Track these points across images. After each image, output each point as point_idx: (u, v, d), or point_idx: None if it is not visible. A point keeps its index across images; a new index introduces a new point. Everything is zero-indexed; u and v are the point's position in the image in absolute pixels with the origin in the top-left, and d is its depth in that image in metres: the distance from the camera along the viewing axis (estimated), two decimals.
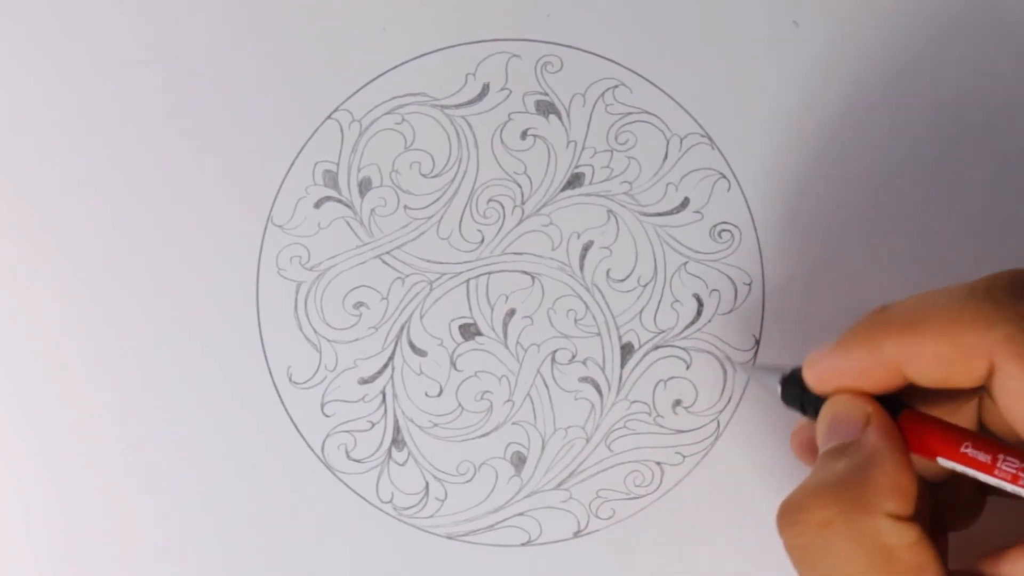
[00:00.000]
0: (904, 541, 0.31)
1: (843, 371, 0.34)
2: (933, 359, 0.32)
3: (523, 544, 0.41)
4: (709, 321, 0.41)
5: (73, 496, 0.40)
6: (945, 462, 0.32)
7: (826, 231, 0.41)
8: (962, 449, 0.32)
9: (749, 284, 0.41)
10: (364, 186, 0.41)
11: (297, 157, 0.41)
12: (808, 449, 0.37)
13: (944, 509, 0.36)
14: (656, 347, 0.41)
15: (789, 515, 0.32)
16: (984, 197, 0.41)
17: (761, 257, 0.41)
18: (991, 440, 0.32)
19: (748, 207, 0.41)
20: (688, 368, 0.41)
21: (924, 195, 0.41)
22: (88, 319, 0.40)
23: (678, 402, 0.41)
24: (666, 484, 0.41)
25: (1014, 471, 0.31)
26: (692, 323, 0.41)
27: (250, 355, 0.41)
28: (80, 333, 0.40)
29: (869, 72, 0.41)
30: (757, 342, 0.41)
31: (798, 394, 0.35)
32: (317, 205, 0.41)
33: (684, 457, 0.41)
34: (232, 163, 0.41)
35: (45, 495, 0.40)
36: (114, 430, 0.40)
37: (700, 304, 0.41)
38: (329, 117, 0.41)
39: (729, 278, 0.41)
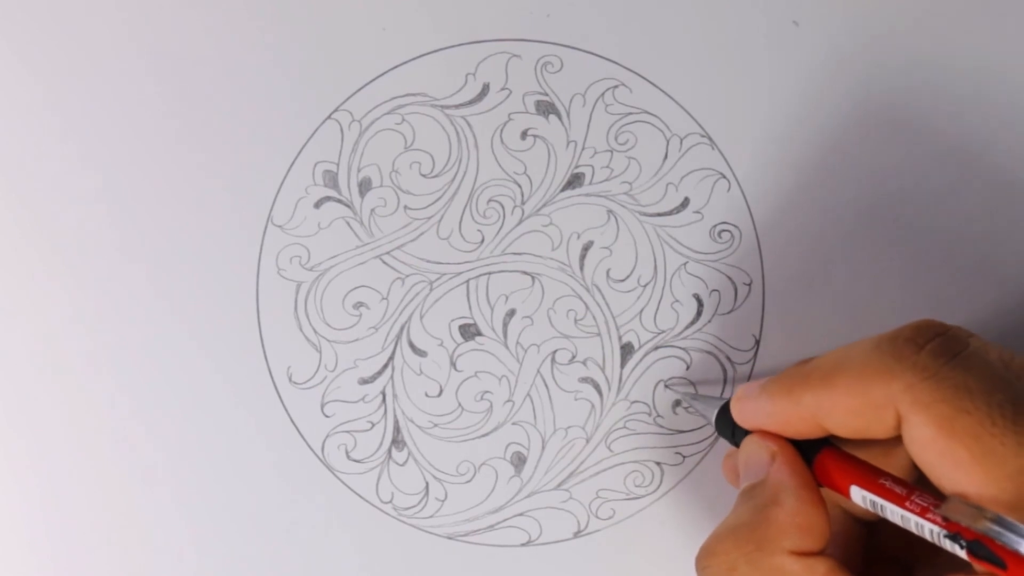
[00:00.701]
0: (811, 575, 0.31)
1: (767, 416, 0.35)
2: (845, 412, 0.32)
3: (523, 544, 0.41)
4: (709, 321, 0.41)
5: (73, 496, 0.40)
6: (857, 492, 0.32)
7: (826, 231, 0.41)
8: (879, 480, 0.32)
9: (749, 284, 0.41)
10: (364, 186, 0.41)
11: (297, 157, 0.41)
12: (734, 474, 0.38)
13: (892, 542, 0.36)
14: (656, 347, 0.41)
15: (700, 560, 0.34)
16: (985, 197, 0.41)
17: (761, 257, 0.41)
18: (906, 481, 0.32)
19: (748, 207, 0.41)
20: (688, 368, 0.41)
21: (924, 195, 0.41)
22: (88, 319, 0.40)
23: (678, 402, 0.41)
24: (666, 484, 0.41)
25: (924, 504, 0.31)
26: (692, 323, 0.41)
27: (250, 355, 0.41)
28: (80, 333, 0.40)
29: (869, 72, 0.41)
30: (757, 342, 0.41)
31: (730, 425, 0.37)
32: (317, 205, 0.41)
33: (684, 457, 0.41)
34: (232, 163, 0.41)
35: (44, 495, 0.40)
36: (114, 430, 0.40)
37: (700, 304, 0.41)
38: (329, 117, 0.41)
39: (729, 278, 0.41)
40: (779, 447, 0.34)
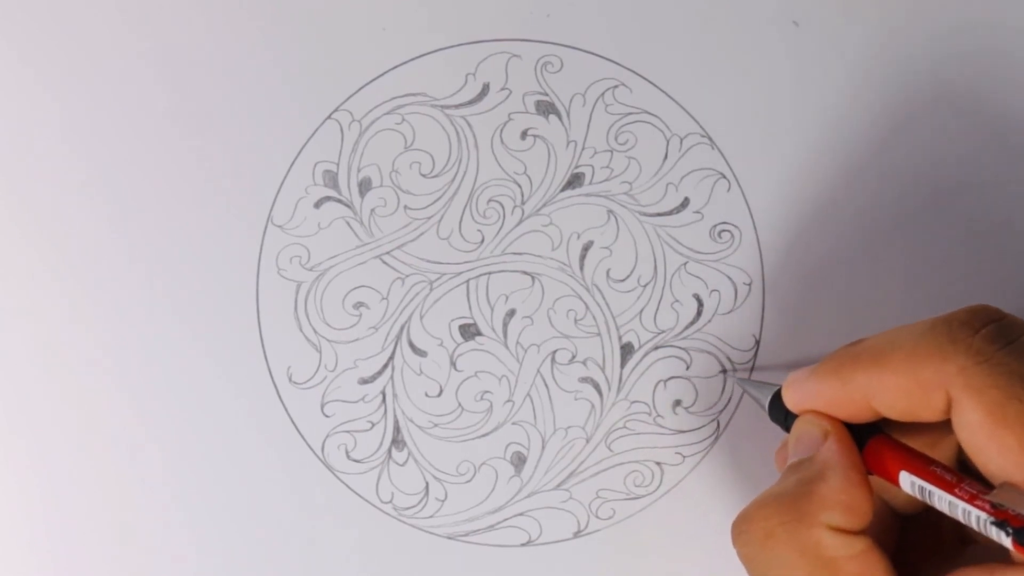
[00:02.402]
0: (847, 553, 0.32)
1: (817, 397, 0.35)
2: (896, 392, 0.32)
3: (523, 544, 0.41)
4: (709, 321, 0.41)
5: (72, 496, 0.40)
6: (907, 478, 0.32)
7: (826, 231, 0.41)
8: (930, 467, 0.32)
9: (749, 284, 0.41)
10: (364, 186, 0.41)
11: (297, 157, 0.41)
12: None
13: (921, 544, 0.36)
14: (656, 347, 0.41)
15: (738, 525, 0.34)
16: (986, 197, 0.41)
17: (761, 257, 0.41)
18: (955, 470, 0.32)
19: (748, 207, 0.41)
20: (688, 368, 0.41)
21: (924, 195, 0.41)
22: (88, 319, 0.40)
23: (678, 402, 0.41)
24: (666, 484, 0.41)
25: (973, 492, 0.31)
26: (692, 323, 0.41)
27: (250, 355, 0.41)
28: (80, 333, 0.40)
29: (869, 72, 0.41)
30: (757, 342, 0.41)
31: (782, 411, 0.36)
32: (317, 205, 0.41)
33: (684, 457, 0.41)
34: (232, 163, 0.41)
35: (44, 495, 0.40)
36: (114, 430, 0.40)
37: (700, 304, 0.41)
38: (329, 117, 0.41)
39: (729, 278, 0.41)
40: (832, 426, 0.34)
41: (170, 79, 0.41)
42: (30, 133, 0.40)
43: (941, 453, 0.35)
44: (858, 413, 0.34)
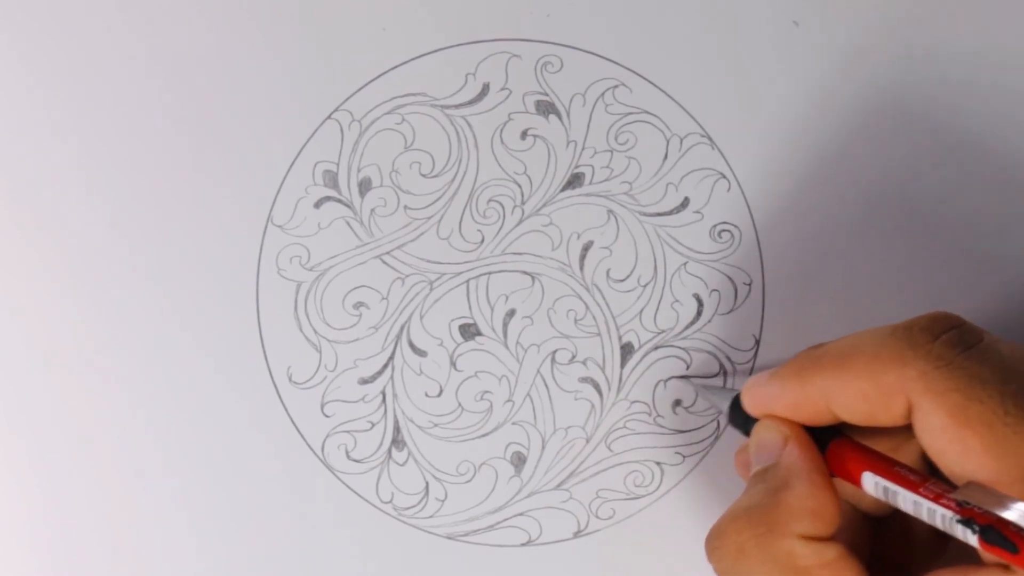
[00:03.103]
0: (819, 561, 0.32)
1: (777, 400, 0.35)
2: (856, 396, 0.32)
3: (523, 544, 0.41)
4: (709, 321, 0.41)
5: (72, 496, 0.40)
6: (870, 479, 0.32)
7: (826, 231, 0.41)
8: (893, 467, 0.32)
9: (749, 284, 0.41)
10: (364, 186, 0.41)
11: (297, 157, 0.41)
12: (747, 469, 0.37)
13: (894, 547, 0.36)
14: (656, 347, 0.41)
15: (711, 541, 0.34)
16: (985, 196, 0.41)
17: (761, 257, 0.41)
18: (918, 471, 0.32)
19: (748, 207, 0.41)
20: (688, 368, 0.41)
21: (925, 194, 0.41)
22: (88, 319, 0.40)
23: (678, 402, 0.41)
24: (666, 484, 0.41)
25: (938, 491, 0.31)
26: (692, 323, 0.41)
27: (250, 355, 0.41)
28: (80, 333, 0.40)
29: (869, 72, 0.41)
30: (757, 342, 0.41)
31: (742, 415, 0.36)
32: (317, 205, 0.41)
33: (684, 457, 0.41)
34: (232, 163, 0.41)
35: (44, 494, 0.40)
36: (114, 430, 0.40)
37: (700, 304, 0.41)
38: (329, 117, 0.41)
39: (729, 278, 0.41)
40: (792, 431, 0.34)
41: (170, 79, 0.41)
42: (31, 133, 0.40)
43: (903, 457, 0.35)
44: (818, 417, 0.34)
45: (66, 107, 0.40)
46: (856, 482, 0.33)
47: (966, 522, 0.30)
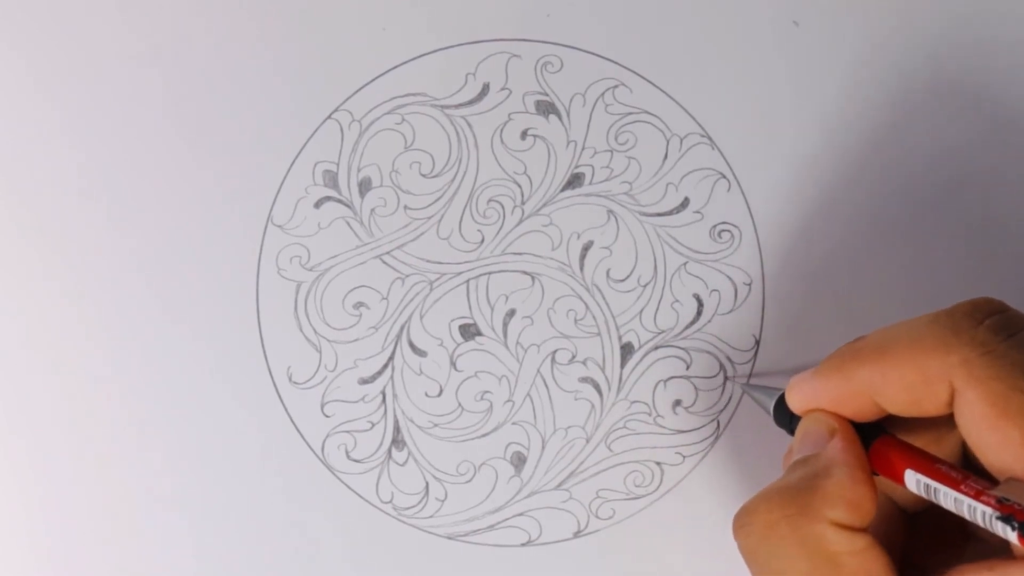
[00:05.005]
0: (849, 549, 0.32)
1: (821, 395, 0.34)
2: (899, 385, 0.32)
3: (523, 544, 0.41)
4: (709, 321, 0.41)
5: (72, 496, 0.40)
6: (912, 476, 0.32)
7: (826, 231, 0.41)
8: (935, 465, 0.32)
9: (749, 284, 0.41)
10: (364, 186, 0.41)
11: (297, 157, 0.41)
12: None
13: (924, 544, 0.36)
14: (656, 347, 0.41)
15: (740, 518, 0.33)
16: (985, 198, 0.41)
17: (761, 257, 0.41)
18: (960, 468, 0.32)
19: (748, 207, 0.41)
20: (688, 368, 0.41)
21: (924, 193, 0.41)
22: (88, 319, 0.40)
23: (678, 402, 0.41)
24: (666, 484, 0.41)
25: (979, 487, 0.31)
26: (692, 323, 0.41)
27: (250, 355, 0.41)
28: (80, 333, 0.40)
29: (869, 72, 0.41)
30: (757, 342, 0.41)
31: (787, 415, 0.36)
32: (317, 205, 0.41)
33: (684, 457, 0.41)
34: (232, 163, 0.41)
35: (44, 495, 0.40)
36: (114, 430, 0.40)
37: (700, 304, 0.41)
38: (329, 117, 0.41)
39: (729, 278, 0.41)
40: (839, 425, 0.34)
41: (170, 79, 0.41)
42: (30, 133, 0.40)
43: (944, 450, 0.35)
44: (862, 409, 0.34)
45: (66, 107, 0.41)
46: (899, 479, 0.33)
47: (1006, 519, 0.30)
